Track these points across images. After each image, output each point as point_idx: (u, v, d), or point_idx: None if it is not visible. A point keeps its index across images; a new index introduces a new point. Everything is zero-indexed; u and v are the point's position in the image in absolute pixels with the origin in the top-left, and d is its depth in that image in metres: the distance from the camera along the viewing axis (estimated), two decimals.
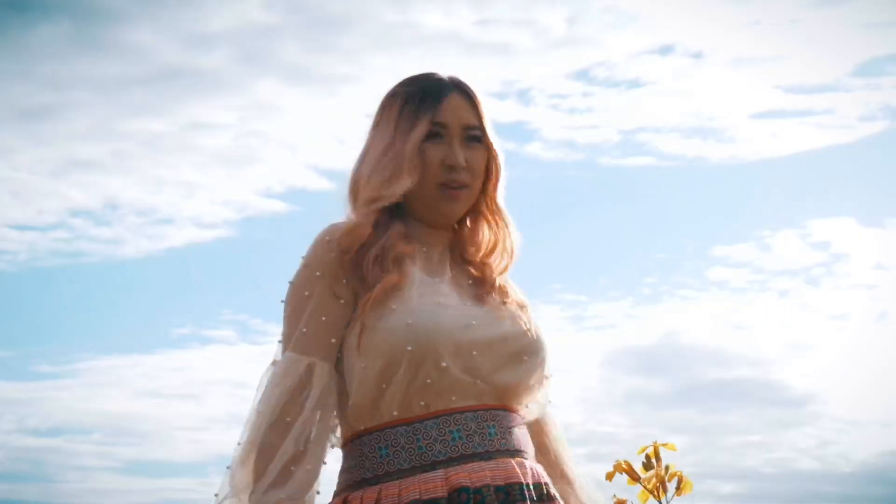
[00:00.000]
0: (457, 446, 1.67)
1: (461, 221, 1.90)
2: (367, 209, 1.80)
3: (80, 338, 8.06)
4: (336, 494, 1.75)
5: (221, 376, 7.79)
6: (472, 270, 1.88)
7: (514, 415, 1.77)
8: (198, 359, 7.84)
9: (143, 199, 7.90)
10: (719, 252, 7.35)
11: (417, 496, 1.63)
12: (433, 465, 1.66)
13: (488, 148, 1.86)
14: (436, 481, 1.64)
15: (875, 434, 7.19)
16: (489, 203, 1.90)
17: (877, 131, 7.16)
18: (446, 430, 1.68)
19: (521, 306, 1.87)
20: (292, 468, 1.67)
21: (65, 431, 7.84)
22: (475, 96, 1.88)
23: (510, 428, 1.75)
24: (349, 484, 1.73)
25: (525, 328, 1.80)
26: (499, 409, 1.74)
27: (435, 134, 1.83)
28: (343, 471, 1.76)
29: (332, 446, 1.81)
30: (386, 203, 1.80)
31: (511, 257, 1.91)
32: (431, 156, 1.82)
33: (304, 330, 1.73)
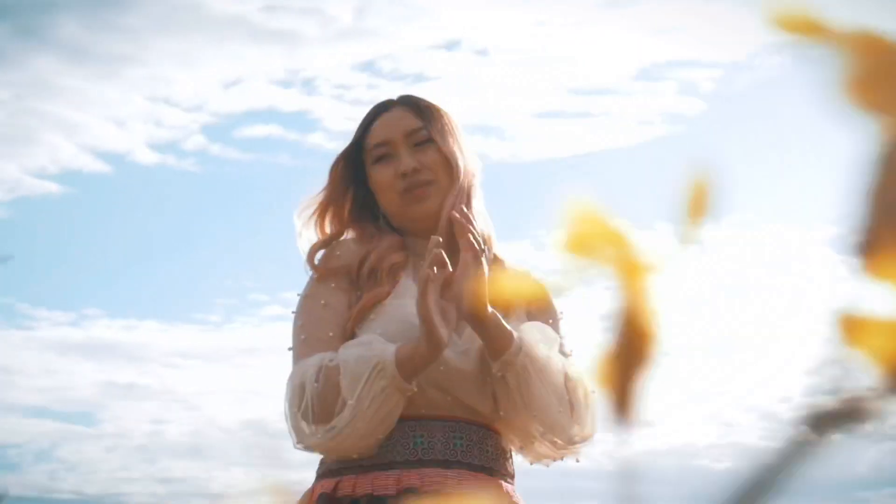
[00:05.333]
0: (416, 451, 1.70)
1: None
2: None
3: None
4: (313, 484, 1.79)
5: None
6: None
7: (496, 435, 1.76)
8: None
9: None
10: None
11: (370, 491, 1.68)
12: (390, 465, 1.70)
13: (439, 146, 1.83)
14: (388, 479, 1.68)
15: None
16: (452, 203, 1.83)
17: (655, 136, 7.53)
18: (410, 434, 1.71)
19: (529, 313, 1.82)
20: None
21: None
22: (419, 101, 1.88)
23: (483, 445, 1.74)
24: (319, 474, 1.78)
25: None
26: (473, 425, 1.74)
27: (383, 156, 1.84)
28: (319, 462, 1.81)
29: None
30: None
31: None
32: (384, 174, 1.83)
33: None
